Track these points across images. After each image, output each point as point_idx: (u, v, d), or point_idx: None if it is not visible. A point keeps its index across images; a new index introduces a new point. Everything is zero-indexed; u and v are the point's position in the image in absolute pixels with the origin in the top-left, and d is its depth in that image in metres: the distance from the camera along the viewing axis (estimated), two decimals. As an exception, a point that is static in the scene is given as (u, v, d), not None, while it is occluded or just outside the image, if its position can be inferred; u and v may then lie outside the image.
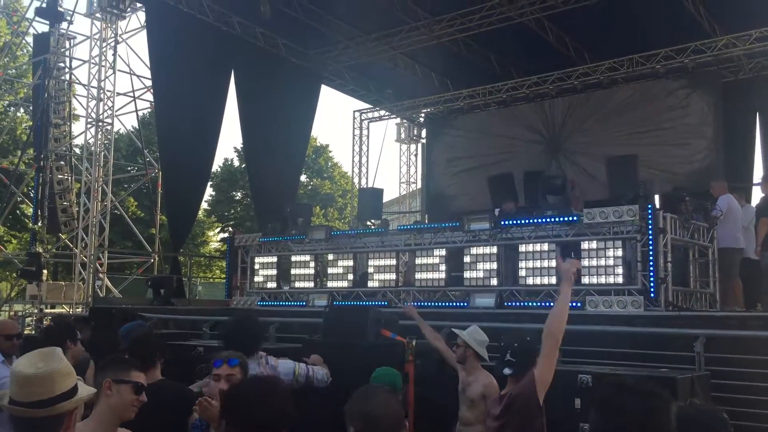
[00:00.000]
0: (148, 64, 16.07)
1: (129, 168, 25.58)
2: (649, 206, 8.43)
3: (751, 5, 13.43)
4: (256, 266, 12.17)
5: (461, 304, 9.55)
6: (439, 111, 20.05)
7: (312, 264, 11.50)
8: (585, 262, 8.54)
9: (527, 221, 9.40)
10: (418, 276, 10.24)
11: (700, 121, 15.11)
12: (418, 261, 10.29)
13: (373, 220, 15.30)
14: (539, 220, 9.23)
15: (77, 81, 18.79)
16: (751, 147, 15.99)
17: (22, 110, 26.18)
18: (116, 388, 2.91)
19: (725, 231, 9.59)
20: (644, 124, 15.75)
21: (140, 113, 20.02)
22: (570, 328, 3.97)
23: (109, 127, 16.70)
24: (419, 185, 22.46)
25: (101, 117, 16.26)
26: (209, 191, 34.23)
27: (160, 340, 4.81)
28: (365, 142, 21.43)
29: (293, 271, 11.73)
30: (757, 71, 15.39)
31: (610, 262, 8.41)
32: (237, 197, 36.21)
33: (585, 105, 16.93)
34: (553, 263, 8.82)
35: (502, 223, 9.56)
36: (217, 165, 35.07)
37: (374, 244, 10.97)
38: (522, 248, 9.21)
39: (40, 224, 17.33)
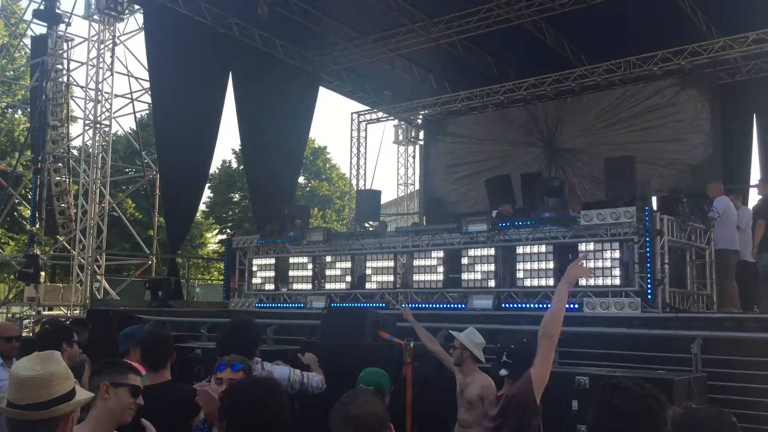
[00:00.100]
0: (146, 66, 16.08)
1: (127, 170, 25.62)
2: (647, 208, 8.45)
3: (748, 7, 13.46)
4: (254, 268, 12.17)
5: (459, 305, 9.56)
6: (436, 113, 20.06)
7: (310, 266, 11.50)
8: (584, 263, 8.53)
9: (525, 223, 9.42)
10: (415, 278, 10.25)
11: (697, 122, 15.14)
12: (415, 263, 10.30)
13: (371, 222, 15.31)
14: (537, 222, 9.25)
15: (75, 83, 18.83)
16: (747, 149, 16.01)
17: (19, 112, 26.22)
18: (113, 391, 2.91)
19: (721, 233, 9.61)
20: (641, 126, 15.78)
21: (138, 115, 20.08)
22: (567, 330, 3.99)
23: (106, 129, 16.73)
24: (417, 187, 22.47)
25: (99, 119, 16.27)
26: (207, 193, 34.25)
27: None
28: (363, 144, 21.44)
29: (291, 273, 11.74)
30: (753, 73, 15.42)
31: (608, 263, 8.43)
32: (235, 199, 36.19)
33: (582, 107, 16.96)
34: (551, 265, 8.85)
35: (500, 224, 9.58)
36: (215, 167, 35.09)
37: (372, 246, 10.98)
38: (519, 250, 9.22)
39: (37, 226, 17.32)
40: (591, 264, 8.50)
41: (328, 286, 11.25)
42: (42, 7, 17.48)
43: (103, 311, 12.09)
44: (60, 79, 17.86)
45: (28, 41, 20.53)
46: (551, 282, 8.76)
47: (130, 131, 23.90)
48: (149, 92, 17.06)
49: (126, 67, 18.32)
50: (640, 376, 5.57)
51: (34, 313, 15.98)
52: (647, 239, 8.25)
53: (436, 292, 10.06)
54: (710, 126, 14.99)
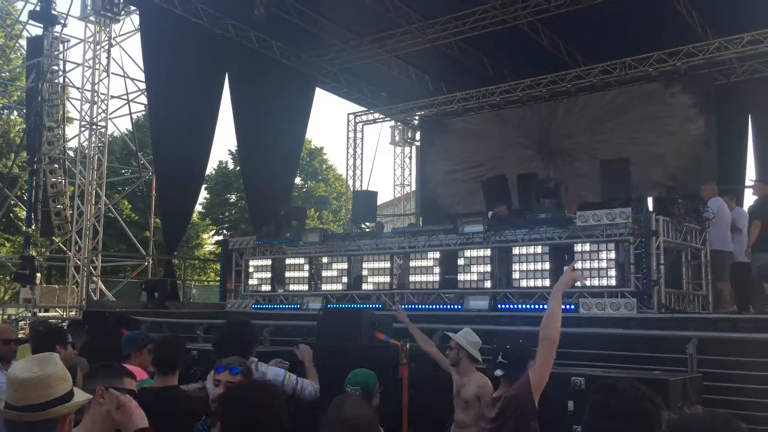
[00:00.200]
0: (142, 67, 16.09)
1: (123, 171, 25.58)
2: (642, 209, 8.47)
3: (743, 9, 13.50)
4: (251, 269, 12.17)
5: (455, 306, 9.58)
6: (433, 114, 20.09)
7: (306, 267, 11.50)
8: (578, 265, 8.56)
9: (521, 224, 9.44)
10: (412, 278, 10.26)
11: (693, 123, 15.18)
12: (412, 264, 10.31)
13: (367, 223, 15.31)
14: (532, 223, 9.28)
15: (71, 84, 18.81)
16: (743, 149, 16.08)
17: (15, 113, 26.17)
18: (108, 396, 2.91)
19: (716, 233, 9.64)
20: (637, 127, 15.82)
21: (134, 116, 20.02)
22: (563, 331, 3.99)
23: (102, 130, 16.71)
24: (413, 188, 22.49)
25: (95, 120, 16.25)
26: (203, 194, 34.21)
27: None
28: (359, 145, 21.46)
29: (287, 274, 11.73)
30: (749, 74, 15.47)
31: (603, 264, 8.45)
32: (231, 200, 36.16)
33: (578, 108, 16.99)
34: (547, 266, 8.87)
35: (498, 227, 9.59)
36: (211, 168, 35.08)
37: (368, 247, 10.98)
38: (515, 251, 9.24)
39: (33, 227, 17.29)
40: (587, 264, 8.55)
41: (324, 287, 11.25)
42: (38, 9, 17.45)
43: (99, 313, 12.08)
44: (56, 81, 17.83)
45: (23, 42, 20.50)
46: (547, 283, 8.78)
47: (126, 132, 23.90)
48: (145, 93, 17.04)
49: (122, 68, 18.25)
50: (635, 376, 5.58)
51: (29, 314, 15.94)
52: (643, 240, 8.28)
53: (433, 293, 10.07)
54: (705, 127, 15.03)
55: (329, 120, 54.70)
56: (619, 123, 16.15)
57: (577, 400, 5.21)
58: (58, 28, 17.49)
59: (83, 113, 16.67)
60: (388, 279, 10.51)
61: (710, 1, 13.94)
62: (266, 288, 11.94)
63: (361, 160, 21.40)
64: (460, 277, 9.67)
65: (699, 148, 15.07)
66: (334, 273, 11.13)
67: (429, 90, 19.40)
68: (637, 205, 8.61)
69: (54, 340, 5.11)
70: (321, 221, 35.10)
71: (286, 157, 18.17)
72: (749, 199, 12.61)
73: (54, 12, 17.41)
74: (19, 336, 6.72)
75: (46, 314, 16.41)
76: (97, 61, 16.23)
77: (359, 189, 20.48)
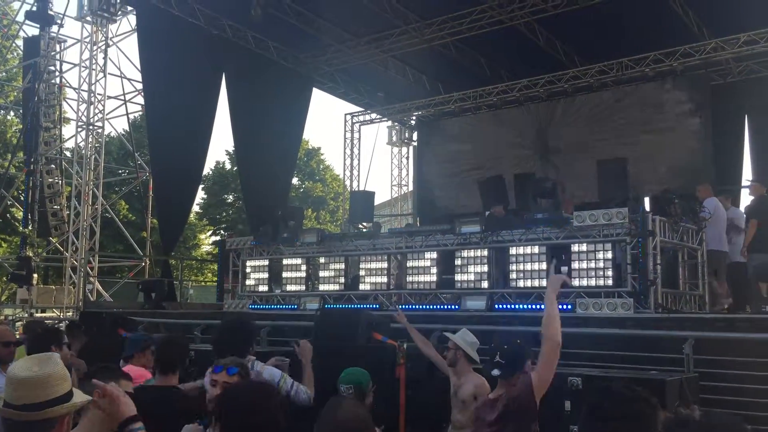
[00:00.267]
0: (139, 68, 16.05)
1: (120, 171, 25.56)
2: (639, 209, 8.49)
3: (739, 9, 13.52)
4: (248, 269, 12.16)
5: (452, 306, 9.58)
6: (430, 114, 20.09)
7: (303, 267, 11.50)
8: (575, 265, 8.59)
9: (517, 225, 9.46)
10: (409, 279, 10.26)
11: (689, 123, 15.20)
12: (409, 264, 10.32)
13: (364, 223, 15.33)
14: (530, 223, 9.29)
15: (68, 84, 18.78)
16: (739, 149, 16.09)
17: (12, 113, 26.14)
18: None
19: (711, 233, 9.67)
20: (634, 127, 15.83)
21: (131, 116, 20.01)
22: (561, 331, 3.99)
23: (99, 131, 16.67)
24: (410, 188, 22.49)
25: (92, 120, 16.22)
26: (201, 194, 34.20)
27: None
28: (357, 145, 21.47)
29: (285, 274, 11.73)
30: (745, 74, 15.49)
31: (600, 264, 8.46)
32: (229, 200, 36.15)
33: (575, 108, 16.99)
34: (544, 266, 8.87)
35: (495, 229, 9.60)
36: (208, 168, 35.08)
37: (366, 247, 10.99)
38: (512, 251, 9.25)
39: (30, 228, 17.27)
40: (584, 264, 8.56)
41: (321, 287, 11.25)
42: (34, 9, 17.43)
43: (96, 313, 12.06)
44: (52, 81, 17.81)
45: (20, 43, 20.46)
46: (544, 283, 8.77)
47: (123, 133, 23.88)
48: (142, 94, 17.03)
49: (119, 69, 18.21)
50: (632, 376, 5.61)
51: (26, 315, 15.91)
52: (639, 240, 8.29)
53: (430, 293, 10.08)
54: (702, 127, 15.04)
55: (326, 120, 54.77)
56: (615, 123, 16.16)
57: (574, 400, 5.23)
58: (54, 28, 17.49)
59: (80, 113, 16.66)
60: (385, 279, 10.51)
61: (707, 1, 13.95)
62: (263, 288, 11.94)
63: (359, 160, 21.43)
64: (458, 277, 9.68)
65: (695, 148, 15.08)
66: (332, 273, 11.13)
67: (426, 90, 19.41)
68: (634, 205, 8.63)
69: (49, 340, 5.10)
70: (318, 221, 35.11)
71: (283, 158, 18.16)
72: (745, 199, 12.67)
73: (51, 12, 17.40)
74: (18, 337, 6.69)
75: (43, 315, 16.38)
76: (93, 61, 16.21)
77: (356, 189, 20.47)
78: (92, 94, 16.16)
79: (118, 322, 8.67)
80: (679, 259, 9.39)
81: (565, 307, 8.12)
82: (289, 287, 11.62)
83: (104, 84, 16.44)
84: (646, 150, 15.27)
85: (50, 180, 17.38)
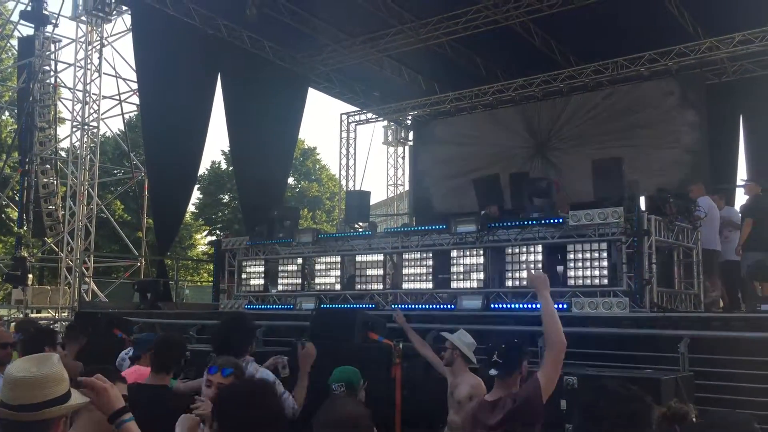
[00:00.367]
0: (134, 67, 16.03)
1: (115, 171, 25.48)
2: (634, 208, 8.50)
3: (734, 8, 13.55)
4: (244, 269, 12.16)
5: (448, 306, 9.59)
6: (425, 114, 20.09)
7: (299, 267, 11.50)
8: (570, 264, 8.61)
9: (513, 223, 9.46)
10: (405, 278, 10.27)
11: (684, 123, 15.23)
12: (405, 263, 10.32)
13: (360, 223, 15.30)
14: (525, 223, 9.29)
15: (63, 84, 18.75)
16: (734, 149, 16.14)
17: (6, 114, 26.02)
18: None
19: (704, 232, 9.70)
20: (629, 126, 15.85)
21: (126, 116, 19.96)
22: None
23: (94, 131, 16.64)
24: (406, 188, 22.49)
25: (87, 120, 16.18)
26: (196, 194, 34.15)
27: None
28: (352, 145, 21.45)
29: (280, 274, 11.73)
30: (740, 74, 15.52)
31: (596, 263, 8.48)
32: (224, 200, 36.10)
33: (570, 108, 17.01)
34: (540, 265, 8.88)
35: (489, 225, 9.61)
36: (204, 168, 35.02)
37: (362, 247, 10.99)
38: (508, 250, 9.26)
39: (25, 228, 17.22)
40: (580, 264, 8.58)
41: (317, 287, 11.26)
42: (29, 8, 17.37)
43: (91, 314, 12.04)
44: (47, 81, 17.76)
45: (15, 42, 20.43)
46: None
47: (118, 133, 23.78)
48: (137, 93, 16.98)
49: (114, 69, 18.17)
50: (627, 375, 5.62)
51: (21, 315, 15.87)
52: (635, 239, 8.31)
53: (426, 293, 10.09)
54: (697, 126, 15.08)
55: (322, 120, 54.78)
56: (611, 122, 16.18)
57: (569, 400, 5.23)
58: (49, 28, 17.43)
59: (75, 113, 16.61)
60: (381, 279, 10.52)
61: (701, 0, 13.98)
62: (259, 288, 11.93)
63: (354, 160, 21.41)
64: (453, 276, 9.68)
65: (691, 147, 15.11)
66: (328, 273, 11.13)
67: (421, 90, 19.41)
68: (630, 205, 8.64)
69: (43, 341, 5.05)
70: (314, 221, 35.08)
71: (279, 157, 18.15)
72: (740, 198, 12.70)
73: (45, 12, 17.34)
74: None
75: (38, 315, 16.34)
76: (88, 61, 16.17)
77: (352, 189, 20.46)
78: (87, 94, 16.13)
79: (113, 322, 8.66)
80: (675, 258, 9.41)
81: (560, 306, 8.13)
82: (284, 287, 11.61)
83: (99, 84, 16.41)
84: (642, 149, 15.30)
85: (45, 180, 17.33)
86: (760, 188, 10.25)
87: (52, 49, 17.62)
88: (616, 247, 8.58)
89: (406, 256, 10.35)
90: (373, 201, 18.72)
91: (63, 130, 20.37)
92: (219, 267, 13.47)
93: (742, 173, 15.77)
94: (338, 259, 11.10)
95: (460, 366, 5.25)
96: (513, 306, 8.96)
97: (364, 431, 2.71)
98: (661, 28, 14.58)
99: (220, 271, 13.34)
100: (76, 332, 7.77)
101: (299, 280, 11.48)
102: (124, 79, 18.00)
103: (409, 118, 21.52)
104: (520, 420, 3.59)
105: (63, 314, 15.46)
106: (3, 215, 24.91)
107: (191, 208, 32.35)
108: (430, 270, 10.01)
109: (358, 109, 21.34)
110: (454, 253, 9.75)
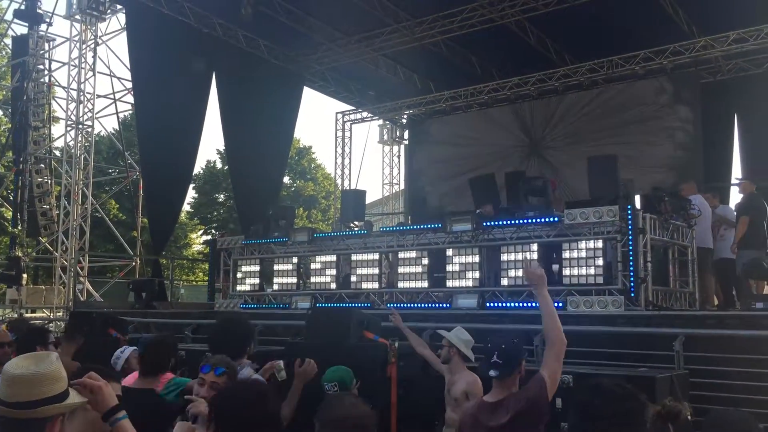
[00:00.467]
0: (129, 66, 15.98)
1: (110, 170, 25.45)
2: (629, 207, 8.51)
3: (729, 7, 13.57)
4: (239, 269, 12.14)
5: (444, 305, 9.59)
6: (421, 112, 20.09)
7: (295, 266, 11.49)
8: (566, 263, 8.61)
9: (509, 222, 9.46)
10: (400, 277, 10.26)
11: (679, 121, 15.27)
12: (400, 262, 10.31)
13: (356, 222, 15.30)
14: (521, 221, 9.30)
15: (57, 83, 18.64)
16: (729, 147, 16.16)
17: (0, 113, 25.92)
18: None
19: (697, 231, 9.73)
20: (624, 125, 15.89)
21: (121, 115, 19.91)
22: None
23: (89, 130, 16.59)
24: (402, 186, 22.49)
25: (81, 119, 16.13)
26: (192, 193, 34.12)
27: (172, 349, 4.76)
28: (348, 144, 21.44)
29: (276, 274, 11.72)
30: (734, 72, 15.56)
31: (591, 262, 8.48)
32: (220, 199, 36.07)
33: (565, 106, 17.04)
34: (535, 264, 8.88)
35: (484, 224, 9.61)
36: (199, 167, 35.00)
37: (357, 246, 10.98)
38: (504, 249, 9.26)
39: (19, 228, 17.16)
40: (575, 262, 8.58)
41: (313, 286, 11.25)
42: (23, 7, 17.31)
43: (86, 313, 11.99)
44: (41, 80, 17.69)
45: (9, 41, 20.30)
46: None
47: (112, 132, 23.76)
48: (132, 92, 16.95)
49: (108, 68, 18.12)
50: (622, 374, 5.63)
51: (16, 315, 15.82)
52: (630, 237, 8.32)
53: (421, 292, 10.08)
54: (692, 124, 15.12)
55: (318, 119, 54.69)
56: (606, 121, 16.22)
57: (564, 398, 5.23)
58: (43, 26, 17.37)
59: (69, 113, 16.55)
60: (377, 278, 10.51)
61: (696, -1, 14.03)
62: (255, 288, 11.92)
63: (350, 158, 21.40)
64: (449, 275, 9.68)
65: (686, 145, 15.16)
66: (323, 272, 11.12)
67: (417, 89, 19.40)
68: (625, 203, 8.65)
69: (35, 340, 5.01)
70: (310, 220, 35.06)
71: (274, 157, 18.12)
72: (735, 197, 12.73)
73: (39, 11, 17.27)
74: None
75: (33, 315, 16.30)
76: (83, 60, 16.12)
77: (348, 188, 20.45)
78: (81, 93, 16.08)
79: (108, 322, 8.62)
80: (670, 256, 9.42)
81: (556, 304, 8.10)
82: (280, 286, 11.60)
83: (93, 83, 16.38)
84: (637, 147, 15.34)
85: (39, 179, 17.26)
86: (754, 186, 10.28)
87: (47, 47, 17.54)
88: (611, 246, 8.59)
89: (401, 255, 10.34)
90: (368, 200, 18.75)
91: (57, 129, 20.31)
92: (214, 266, 13.45)
93: (736, 171, 15.82)
94: (334, 258, 11.10)
95: (457, 363, 5.25)
96: (508, 305, 8.96)
97: (369, 430, 2.71)
98: (656, 27, 14.61)
99: (216, 270, 13.31)
100: (73, 332, 7.73)
101: (295, 280, 11.47)
102: (118, 78, 17.97)
103: (405, 117, 21.52)
104: (528, 420, 3.54)
105: (58, 314, 15.42)
106: (-3, 215, 24.82)
107: (186, 207, 32.35)
108: (426, 269, 10.00)
109: (353, 108, 21.33)
110: (449, 252, 9.75)
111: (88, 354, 5.85)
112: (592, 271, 8.46)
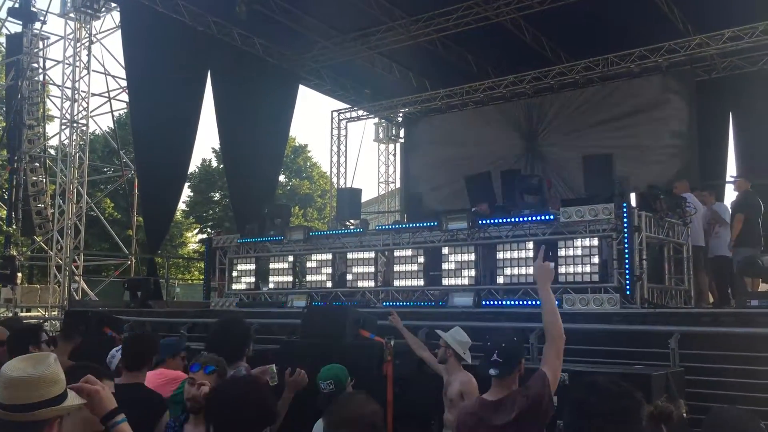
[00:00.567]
0: (123, 65, 15.94)
1: (105, 169, 25.38)
2: (624, 204, 8.53)
3: (724, 5, 13.60)
4: (235, 267, 12.12)
5: (440, 303, 9.58)
6: (416, 111, 20.08)
7: (290, 265, 11.48)
8: (562, 261, 8.62)
9: (505, 220, 9.47)
10: (396, 276, 10.26)
11: (674, 119, 15.29)
12: (396, 261, 10.31)
13: (351, 220, 15.30)
14: (516, 220, 9.30)
15: (51, 82, 18.59)
16: (724, 145, 16.20)
17: (-6, 111, 25.79)
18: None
19: (690, 229, 9.75)
20: (619, 123, 15.90)
21: (116, 114, 19.85)
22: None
23: (84, 128, 16.54)
24: (398, 185, 22.48)
25: (76, 118, 16.08)
26: (187, 192, 34.04)
27: (154, 344, 4.74)
28: (343, 142, 21.41)
29: (272, 272, 11.70)
30: (729, 70, 15.59)
31: (587, 260, 8.49)
32: (215, 198, 36.00)
33: (561, 104, 17.05)
34: (531, 263, 8.89)
35: (480, 222, 9.61)
36: (194, 166, 34.93)
37: (353, 244, 10.98)
38: (500, 247, 9.26)
39: (14, 227, 17.11)
40: (571, 260, 8.59)
41: (308, 285, 11.24)
42: (17, 5, 17.24)
43: (81, 312, 11.97)
44: (36, 78, 17.64)
45: (2, 39, 20.26)
46: (531, 279, 8.80)
47: (107, 130, 23.65)
48: (126, 91, 16.89)
49: (103, 66, 18.18)
50: (618, 371, 5.63)
51: (10, 314, 15.77)
52: (626, 235, 8.32)
53: (417, 290, 10.08)
54: (687, 122, 15.15)
55: (313, 117, 54.62)
56: (601, 119, 16.24)
57: (560, 396, 5.22)
58: (37, 25, 17.31)
59: (64, 111, 16.49)
60: (372, 276, 10.51)
61: (691, -3, 14.05)
62: (250, 286, 11.90)
63: (345, 157, 21.37)
64: (445, 273, 9.68)
65: (681, 143, 15.18)
66: (319, 271, 11.12)
67: (412, 87, 19.39)
68: (620, 201, 8.66)
69: (27, 340, 4.95)
70: (305, 219, 35.03)
71: (269, 155, 18.10)
72: (730, 194, 12.76)
73: (33, 9, 17.21)
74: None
75: (28, 314, 16.25)
76: (77, 58, 16.07)
77: (343, 186, 20.44)
78: (76, 92, 16.03)
79: (103, 321, 8.59)
80: (665, 254, 9.44)
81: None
82: (276, 285, 11.59)
83: (88, 81, 16.32)
84: (632, 145, 15.35)
85: (34, 178, 17.21)
86: (749, 184, 10.31)
87: (41, 46, 17.49)
88: (606, 244, 8.60)
89: (397, 253, 10.34)
90: (364, 198, 18.75)
91: (52, 128, 20.25)
92: (210, 265, 13.42)
93: (731, 169, 15.85)
94: (329, 256, 11.09)
95: (453, 364, 5.25)
96: (504, 303, 8.97)
97: (379, 430, 2.70)
98: (651, 25, 14.61)
99: (211, 269, 13.29)
100: (70, 331, 7.70)
101: (290, 278, 11.46)
102: (113, 77, 17.94)
103: (400, 115, 21.51)
104: (533, 417, 3.52)
105: (53, 313, 15.38)
106: (-8, 214, 24.73)
107: (182, 205, 32.30)
108: (422, 267, 10.00)
109: (349, 106, 21.30)
110: (445, 250, 9.75)
111: (83, 353, 5.82)
112: (587, 269, 8.48)
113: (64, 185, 15.92)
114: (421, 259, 10.02)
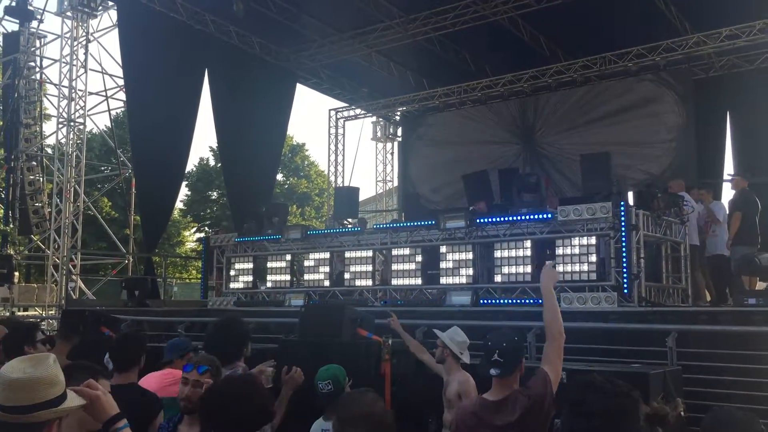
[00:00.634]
0: (121, 63, 15.90)
1: (102, 168, 25.34)
2: (622, 203, 8.54)
3: (721, 4, 13.60)
4: (232, 266, 12.11)
5: (438, 302, 9.58)
6: (414, 109, 20.07)
7: (288, 263, 11.47)
8: (559, 259, 8.62)
9: (502, 219, 9.47)
10: (394, 275, 10.26)
11: (672, 118, 15.29)
12: (394, 260, 10.31)
13: (349, 219, 15.29)
14: (514, 218, 9.31)
15: (48, 80, 18.59)
16: (721, 143, 16.20)
17: (-9, 110, 25.75)
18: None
19: (688, 228, 9.76)
20: (617, 122, 15.91)
21: (113, 113, 19.83)
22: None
23: (81, 127, 16.50)
24: (395, 183, 22.47)
25: (73, 117, 16.05)
26: (185, 191, 34.01)
27: (142, 343, 4.72)
28: (341, 141, 21.39)
29: (269, 271, 11.70)
30: (727, 69, 15.60)
31: (584, 258, 8.50)
32: (213, 197, 35.96)
33: (559, 103, 17.05)
34: (529, 260, 8.90)
35: (478, 221, 9.62)
36: (192, 164, 34.89)
37: (351, 243, 10.98)
38: (497, 246, 9.27)
39: (11, 226, 17.09)
40: (568, 259, 8.59)
41: (306, 283, 11.23)
42: (14, 4, 17.23)
43: (79, 311, 11.94)
44: (33, 77, 17.63)
45: (-1, 38, 20.22)
46: (529, 278, 8.82)
47: (104, 129, 23.63)
48: (124, 90, 16.87)
49: (100, 65, 18.06)
50: (615, 370, 5.63)
51: (8, 314, 15.75)
52: (623, 234, 8.33)
53: (415, 289, 10.08)
54: (685, 121, 15.15)
55: (311, 116, 54.63)
56: (599, 118, 16.24)
57: (557, 394, 5.22)
58: (34, 23, 17.31)
59: (61, 110, 16.47)
60: (370, 275, 10.51)
61: (689, -4, 14.04)
62: (248, 285, 11.89)
63: (343, 156, 21.36)
64: (443, 272, 9.68)
65: (678, 142, 15.19)
66: (316, 270, 11.11)
67: (410, 85, 19.37)
68: (618, 200, 8.67)
69: (22, 339, 4.91)
70: (303, 218, 35.00)
71: (267, 154, 18.06)
72: (727, 193, 12.75)
73: (30, 7, 17.20)
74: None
75: (25, 313, 16.23)
76: (74, 57, 16.03)
77: (341, 185, 20.42)
78: (73, 90, 15.99)
79: (101, 320, 8.58)
80: (663, 252, 9.44)
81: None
82: (273, 284, 11.58)
83: (85, 80, 16.29)
84: (630, 144, 15.36)
85: (31, 177, 17.20)
86: (746, 183, 10.31)
87: (38, 45, 17.48)
88: (604, 242, 8.60)
89: (395, 252, 10.34)
90: (362, 197, 18.76)
91: (49, 127, 20.22)
92: (207, 264, 13.41)
93: (728, 168, 15.86)
94: (327, 255, 11.09)
95: (451, 364, 5.23)
96: (502, 301, 8.97)
97: (389, 428, 2.70)
98: (649, 24, 14.62)
99: (209, 267, 13.28)
100: (69, 331, 7.68)
101: (288, 277, 11.46)
102: (110, 75, 17.90)
103: (398, 113, 21.49)
104: (536, 416, 3.50)
105: (50, 312, 15.36)
106: (-11, 213, 24.69)
107: (179, 204, 32.24)
108: (419, 266, 10.00)
109: (346, 104, 21.29)
110: (443, 249, 9.75)
111: (81, 353, 5.81)
112: (585, 267, 8.48)
113: (62, 184, 15.89)
114: (418, 258, 10.03)
